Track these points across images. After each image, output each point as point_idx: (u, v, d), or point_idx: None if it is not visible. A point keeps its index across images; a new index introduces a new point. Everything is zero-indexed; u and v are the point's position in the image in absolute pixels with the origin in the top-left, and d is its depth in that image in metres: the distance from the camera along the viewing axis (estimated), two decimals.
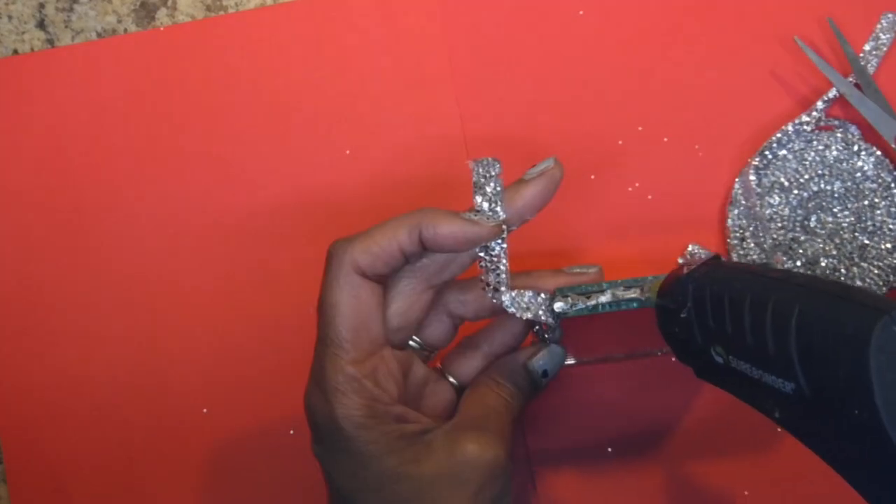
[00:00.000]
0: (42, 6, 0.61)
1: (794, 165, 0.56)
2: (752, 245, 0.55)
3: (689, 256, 0.56)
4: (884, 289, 0.54)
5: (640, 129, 0.58)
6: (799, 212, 0.56)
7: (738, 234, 0.56)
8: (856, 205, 0.55)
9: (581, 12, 0.59)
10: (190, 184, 0.59)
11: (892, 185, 0.55)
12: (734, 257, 0.55)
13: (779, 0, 0.58)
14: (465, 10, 0.59)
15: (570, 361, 0.54)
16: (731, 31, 0.58)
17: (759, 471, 0.55)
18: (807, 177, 0.56)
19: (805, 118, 0.56)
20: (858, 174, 0.56)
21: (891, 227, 0.55)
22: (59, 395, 0.58)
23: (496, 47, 0.59)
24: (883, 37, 0.57)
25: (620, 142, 0.58)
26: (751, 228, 0.55)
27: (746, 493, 0.54)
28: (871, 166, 0.56)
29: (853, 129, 0.57)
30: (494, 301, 0.43)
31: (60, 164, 0.59)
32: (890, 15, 0.57)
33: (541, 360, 0.47)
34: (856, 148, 0.56)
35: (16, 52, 0.61)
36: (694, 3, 0.58)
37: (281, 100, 0.59)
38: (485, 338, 0.49)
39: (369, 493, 0.41)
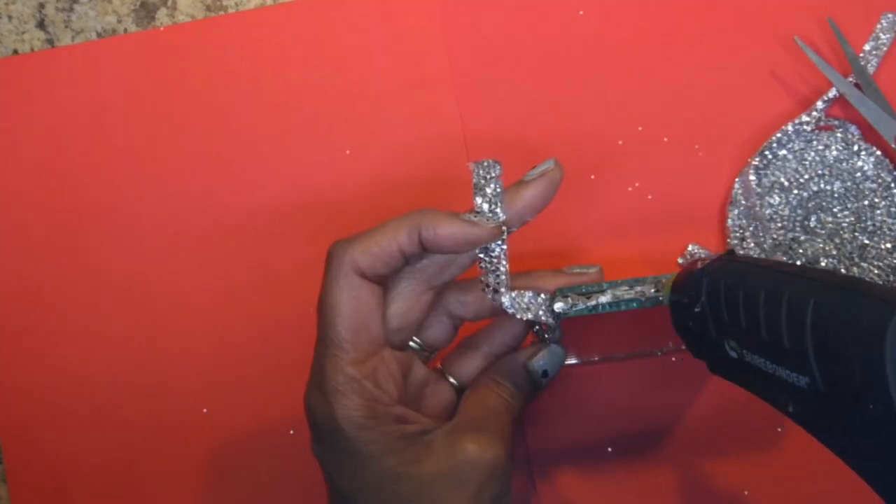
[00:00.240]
0: (42, 6, 0.61)
1: (794, 165, 0.56)
2: (752, 245, 0.55)
3: (689, 256, 0.56)
4: None
5: (640, 129, 0.58)
6: (799, 212, 0.56)
7: (738, 234, 0.56)
8: (856, 205, 0.55)
9: (581, 12, 0.59)
10: (190, 184, 0.59)
11: (892, 185, 0.55)
12: None
13: (779, 0, 0.58)
14: (465, 10, 0.59)
15: (570, 361, 0.54)
16: (731, 31, 0.58)
17: (759, 470, 0.55)
18: (807, 177, 0.56)
19: (805, 118, 0.56)
20: (858, 174, 0.56)
21: (891, 227, 0.55)
22: (59, 395, 0.58)
23: (496, 47, 0.59)
24: (883, 37, 0.57)
25: (620, 142, 0.58)
26: (751, 228, 0.55)
27: (747, 492, 0.54)
28: (871, 166, 0.56)
29: (853, 129, 0.57)
30: (494, 302, 0.43)
31: (60, 164, 0.59)
32: (890, 15, 0.57)
33: (541, 361, 0.47)
34: (856, 148, 0.56)
35: (16, 52, 0.61)
36: (694, 3, 0.58)
37: (281, 100, 0.59)
38: (485, 338, 0.49)
39: (369, 493, 0.41)
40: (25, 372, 0.58)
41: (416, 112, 0.59)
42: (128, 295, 0.58)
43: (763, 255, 0.55)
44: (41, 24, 0.61)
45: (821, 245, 0.55)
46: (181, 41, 0.60)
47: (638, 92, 0.58)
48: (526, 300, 0.43)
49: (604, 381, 0.56)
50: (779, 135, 0.56)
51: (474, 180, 0.43)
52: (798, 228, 0.56)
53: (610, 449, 0.55)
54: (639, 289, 0.43)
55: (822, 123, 0.57)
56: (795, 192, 0.56)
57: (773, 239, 0.55)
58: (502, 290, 0.43)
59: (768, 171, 0.56)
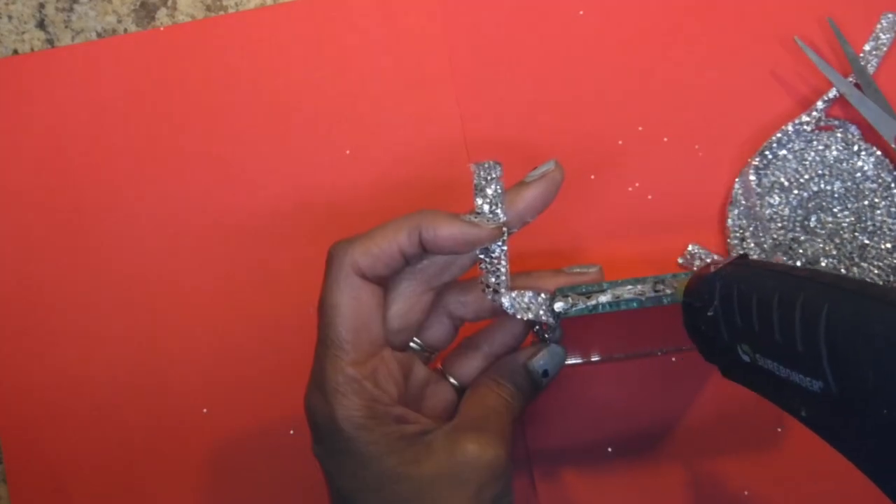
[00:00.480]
0: (42, 6, 0.61)
1: (794, 165, 0.56)
2: (752, 245, 0.55)
3: (688, 256, 0.56)
4: None
5: (640, 129, 0.58)
6: (799, 212, 0.56)
7: (738, 234, 0.56)
8: (856, 205, 0.55)
9: (581, 12, 0.59)
10: (190, 184, 0.59)
11: (892, 185, 0.55)
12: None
13: (779, 0, 0.58)
14: (465, 10, 0.59)
15: (571, 361, 0.54)
16: (731, 31, 0.58)
17: (759, 471, 0.55)
18: (807, 177, 0.56)
19: (805, 118, 0.56)
20: (858, 174, 0.56)
21: (891, 227, 0.55)
22: (59, 395, 0.58)
23: (496, 47, 0.59)
24: (883, 37, 0.57)
25: (620, 142, 0.58)
26: (751, 228, 0.55)
27: (747, 492, 0.55)
28: (871, 166, 0.56)
29: (853, 129, 0.57)
30: (494, 302, 0.43)
31: (60, 164, 0.59)
32: (890, 15, 0.57)
33: (541, 360, 0.47)
34: (856, 148, 0.56)
35: (16, 52, 0.61)
36: (694, 3, 0.58)
37: (281, 100, 0.59)
38: (485, 338, 0.49)
39: (369, 493, 0.41)
40: (25, 372, 0.58)
41: (417, 112, 0.59)
42: (128, 295, 0.58)
43: (763, 256, 0.55)
44: (41, 24, 0.61)
45: (821, 245, 0.55)
46: (181, 41, 0.60)
47: (638, 92, 0.58)
48: (526, 300, 0.43)
49: (604, 381, 0.56)
50: (779, 135, 0.56)
51: (475, 181, 0.43)
52: (798, 228, 0.56)
53: (610, 449, 0.55)
54: (639, 288, 0.43)
55: (822, 123, 0.57)
56: (795, 192, 0.56)
57: (773, 239, 0.55)
58: (502, 290, 0.43)
59: (768, 171, 0.56)
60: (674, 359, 0.55)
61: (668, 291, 0.43)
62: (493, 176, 0.43)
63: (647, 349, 0.55)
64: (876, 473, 0.33)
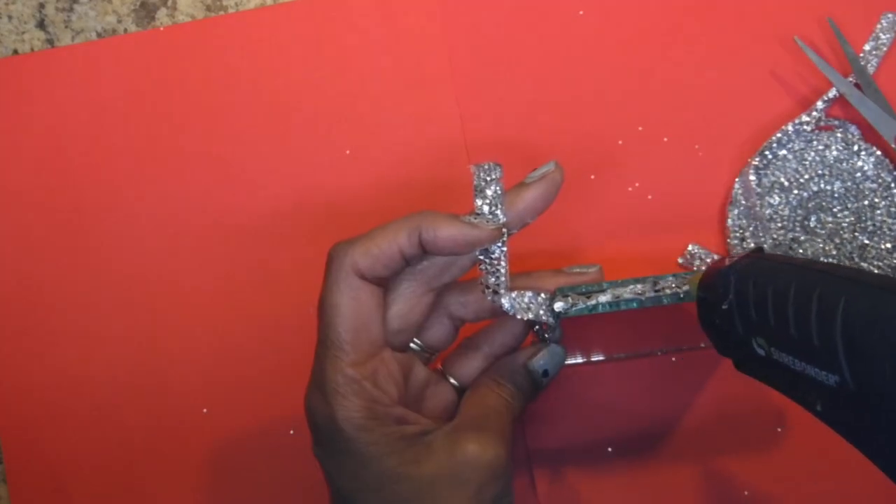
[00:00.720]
0: (42, 6, 0.61)
1: (794, 165, 0.56)
2: (752, 245, 0.55)
3: (688, 256, 0.56)
4: None
5: (640, 129, 0.58)
6: (799, 212, 0.56)
7: (738, 234, 0.56)
8: (856, 205, 0.55)
9: (581, 12, 0.59)
10: (190, 184, 0.59)
11: (892, 185, 0.55)
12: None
13: (779, 0, 0.58)
14: (465, 10, 0.59)
15: (571, 361, 0.54)
16: (731, 31, 0.58)
17: (759, 470, 0.55)
18: (807, 177, 0.56)
19: (805, 118, 0.56)
20: (858, 174, 0.56)
21: (891, 227, 0.55)
22: (59, 395, 0.58)
23: (496, 47, 0.59)
24: (883, 37, 0.57)
25: (620, 142, 0.58)
26: (751, 228, 0.55)
27: (747, 492, 0.55)
28: (871, 166, 0.56)
29: (853, 129, 0.57)
30: (494, 303, 0.43)
31: (60, 164, 0.59)
32: (890, 15, 0.57)
33: (541, 360, 0.47)
34: (856, 148, 0.56)
35: (16, 52, 0.61)
36: (694, 3, 0.58)
37: (281, 100, 0.59)
38: (485, 339, 0.49)
39: (370, 493, 0.41)
40: (25, 372, 0.58)
41: (416, 112, 0.59)
42: (128, 295, 0.58)
43: None
44: (41, 24, 0.61)
45: (821, 245, 0.55)
46: (181, 41, 0.60)
47: (638, 92, 0.58)
48: (526, 300, 0.43)
49: (604, 381, 0.56)
50: (779, 135, 0.56)
51: (475, 182, 0.43)
52: (798, 228, 0.56)
53: (610, 449, 0.55)
54: (639, 288, 0.43)
55: (822, 123, 0.57)
56: (795, 192, 0.56)
57: (773, 239, 0.55)
58: (502, 291, 0.43)
59: (768, 171, 0.56)
60: (674, 359, 0.55)
61: (668, 291, 0.43)
62: (493, 177, 0.43)
63: (647, 349, 0.55)
64: (891, 469, 0.33)
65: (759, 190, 0.56)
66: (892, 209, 0.55)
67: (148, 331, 0.58)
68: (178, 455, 0.57)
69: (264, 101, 0.59)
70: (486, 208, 0.43)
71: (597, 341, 0.53)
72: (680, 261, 0.56)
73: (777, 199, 0.56)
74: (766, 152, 0.56)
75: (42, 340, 0.58)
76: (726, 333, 0.40)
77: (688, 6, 0.58)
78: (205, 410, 0.57)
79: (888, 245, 0.55)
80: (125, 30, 0.61)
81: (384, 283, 0.44)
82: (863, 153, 0.56)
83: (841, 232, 0.55)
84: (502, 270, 0.43)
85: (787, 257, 0.39)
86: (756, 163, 0.56)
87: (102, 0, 0.61)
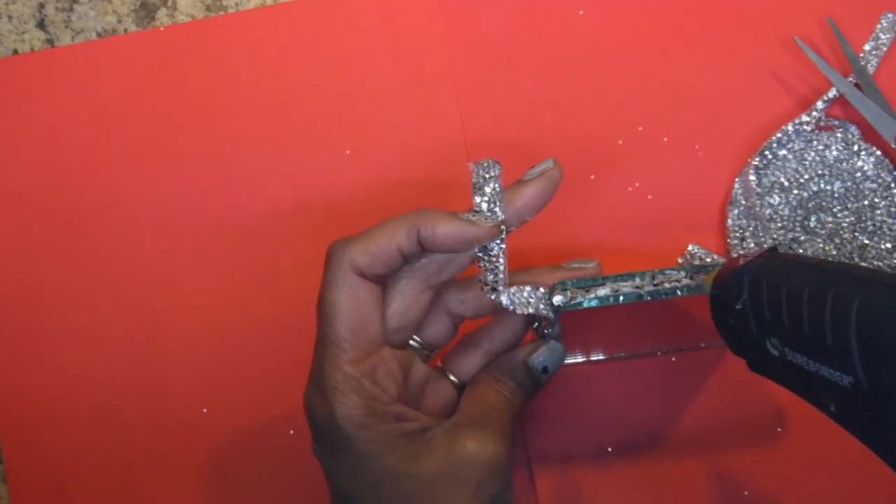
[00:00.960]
0: (42, 6, 0.61)
1: (794, 165, 0.56)
2: (752, 245, 0.55)
3: (688, 256, 0.56)
4: None
5: (640, 129, 0.58)
6: (799, 212, 0.56)
7: (738, 234, 0.56)
8: (856, 205, 0.55)
9: (581, 12, 0.59)
10: (190, 184, 0.59)
11: (892, 185, 0.55)
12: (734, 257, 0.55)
13: (779, 0, 0.58)
14: (465, 10, 0.59)
15: (570, 360, 0.54)
16: (731, 31, 0.58)
17: (759, 471, 0.55)
18: (807, 177, 0.56)
19: (805, 118, 0.56)
20: (858, 174, 0.56)
21: (891, 227, 0.55)
22: (59, 395, 0.58)
23: (496, 47, 0.59)
24: (883, 37, 0.57)
25: (620, 142, 0.58)
26: (751, 228, 0.55)
27: (747, 492, 0.54)
28: (871, 166, 0.56)
29: (853, 129, 0.57)
30: (493, 300, 0.43)
31: (60, 164, 0.59)
32: (890, 15, 0.57)
33: (541, 357, 0.47)
34: (856, 148, 0.56)
35: (16, 52, 0.61)
36: (694, 3, 0.58)
37: (281, 100, 0.59)
38: (485, 336, 0.49)
39: (369, 491, 0.41)
40: (25, 372, 0.58)
41: (416, 112, 0.59)
42: (128, 295, 0.58)
43: None
44: (41, 24, 0.61)
45: (821, 245, 0.55)
46: (181, 41, 0.60)
47: (638, 92, 0.58)
48: (525, 295, 0.43)
49: (604, 380, 0.56)
50: (779, 135, 0.56)
51: (474, 180, 0.43)
52: (798, 228, 0.55)
53: (610, 449, 0.55)
54: (637, 282, 0.43)
55: (822, 123, 0.57)
56: (795, 192, 0.56)
57: (773, 239, 0.55)
58: (500, 288, 0.43)
59: (768, 171, 0.56)
60: (674, 359, 0.55)
61: (667, 285, 0.43)
62: (492, 174, 0.43)
63: (647, 349, 0.55)
64: None
65: (759, 190, 0.56)
66: (892, 209, 0.55)
67: (148, 331, 0.58)
68: (178, 455, 0.57)
69: (264, 101, 0.59)
70: (484, 206, 0.43)
71: (597, 340, 0.53)
72: (680, 261, 0.56)
73: (777, 199, 0.56)
74: (766, 152, 0.56)
75: (42, 340, 0.58)
76: (740, 333, 0.40)
77: (688, 6, 0.58)
78: (205, 410, 0.57)
79: (888, 245, 0.55)
80: (125, 30, 0.61)
81: (383, 281, 0.44)
82: (863, 153, 0.56)
83: (841, 232, 0.55)
84: (501, 268, 0.43)
85: (802, 256, 0.39)
86: (756, 163, 0.56)
87: (102, 0, 0.61)
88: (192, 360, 0.58)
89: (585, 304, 0.43)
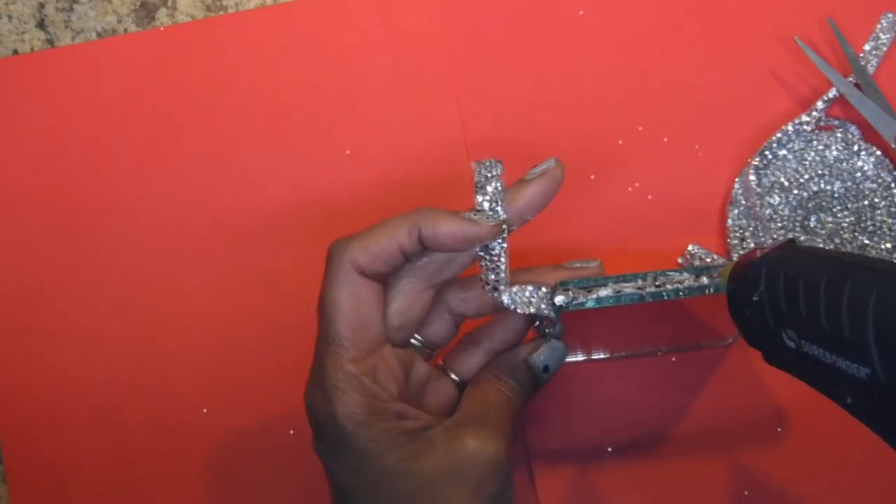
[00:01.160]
0: (42, 6, 0.61)
1: (794, 165, 0.56)
2: (752, 245, 0.55)
3: (688, 256, 0.56)
4: None
5: (640, 129, 0.58)
6: (799, 212, 0.56)
7: (738, 234, 0.56)
8: (856, 205, 0.55)
9: (581, 12, 0.59)
10: (190, 184, 0.59)
11: (892, 185, 0.55)
12: (734, 257, 0.55)
13: (779, 0, 0.58)
14: (465, 10, 0.59)
15: (571, 359, 0.54)
16: (731, 31, 0.58)
17: (759, 470, 0.55)
18: (807, 177, 0.56)
19: (805, 118, 0.56)
20: (858, 174, 0.56)
21: (891, 227, 0.55)
22: (59, 395, 0.58)
23: (496, 47, 0.59)
24: (883, 37, 0.57)
25: (620, 142, 0.58)
26: (751, 228, 0.55)
27: (747, 492, 0.54)
28: (871, 166, 0.56)
29: (853, 129, 0.57)
30: (494, 299, 0.43)
31: (60, 164, 0.59)
32: (890, 15, 0.57)
33: (542, 356, 0.47)
34: (856, 148, 0.56)
35: (16, 52, 0.61)
36: (694, 3, 0.59)
37: (281, 100, 0.59)
38: (486, 334, 0.49)
39: (370, 489, 0.41)
40: (25, 372, 0.58)
41: (416, 112, 0.59)
42: (128, 295, 0.58)
43: None
44: (41, 24, 0.61)
45: (821, 245, 0.55)
46: (181, 41, 0.60)
47: (638, 92, 0.58)
48: (526, 294, 0.43)
49: (604, 380, 0.56)
50: (779, 135, 0.56)
51: (475, 179, 0.43)
52: (798, 228, 0.56)
53: (610, 449, 0.55)
54: (640, 283, 0.43)
55: (822, 123, 0.57)
56: (795, 192, 0.56)
57: (773, 239, 0.55)
58: (502, 287, 0.43)
59: (768, 171, 0.56)
60: (674, 359, 0.55)
61: (669, 287, 0.43)
62: (494, 174, 0.43)
63: (647, 349, 0.55)
64: None
65: (759, 190, 0.56)
66: (892, 209, 0.55)
67: (148, 331, 0.58)
68: (178, 455, 0.57)
69: (264, 101, 0.59)
70: (486, 205, 0.43)
71: (597, 339, 0.53)
72: (680, 261, 0.56)
73: (777, 199, 0.56)
74: (766, 152, 0.56)
75: (42, 340, 0.58)
76: (756, 325, 0.40)
77: (688, 6, 0.58)
78: (205, 410, 0.57)
79: (888, 245, 0.55)
80: (125, 30, 0.61)
81: (384, 280, 0.44)
82: (863, 153, 0.56)
83: (841, 232, 0.55)
84: (502, 267, 0.43)
85: (819, 249, 0.39)
86: (756, 163, 0.56)
87: (102, 0, 0.61)
88: (192, 360, 0.58)
89: (587, 305, 0.43)
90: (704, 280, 0.43)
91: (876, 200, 0.55)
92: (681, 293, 0.43)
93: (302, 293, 0.56)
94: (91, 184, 0.59)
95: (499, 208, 0.43)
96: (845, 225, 0.55)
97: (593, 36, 0.59)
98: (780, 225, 0.56)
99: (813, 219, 0.56)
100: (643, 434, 0.55)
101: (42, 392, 0.58)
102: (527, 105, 0.58)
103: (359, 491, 0.42)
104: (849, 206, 0.56)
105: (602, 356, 0.55)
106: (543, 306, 0.44)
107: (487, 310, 0.48)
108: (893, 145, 0.55)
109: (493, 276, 0.43)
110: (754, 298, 0.39)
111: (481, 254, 0.43)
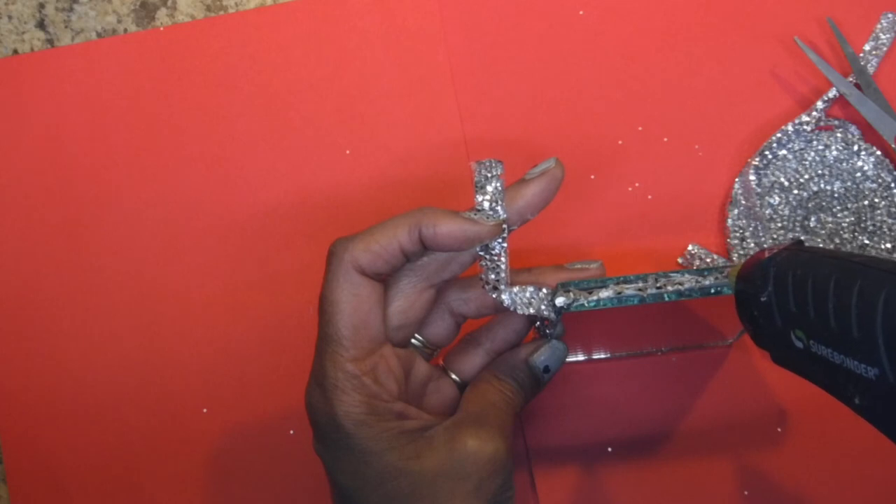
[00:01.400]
0: (42, 6, 0.61)
1: (794, 165, 0.56)
2: (752, 245, 0.55)
3: (688, 256, 0.56)
4: None
5: (640, 129, 0.58)
6: (799, 212, 0.56)
7: (738, 234, 0.56)
8: (856, 205, 0.55)
9: (581, 12, 0.59)
10: (190, 183, 0.59)
11: (892, 185, 0.55)
12: (734, 258, 0.55)
13: (779, 0, 0.58)
14: (465, 10, 0.59)
15: (571, 359, 0.54)
16: (731, 31, 0.58)
17: (759, 471, 0.55)
18: (807, 177, 0.56)
19: (805, 118, 0.56)
20: (858, 174, 0.56)
21: (891, 227, 0.55)
22: (59, 395, 0.58)
23: (496, 47, 0.59)
24: (883, 37, 0.57)
25: (620, 142, 0.58)
26: (751, 228, 0.55)
27: (747, 492, 0.54)
28: (871, 166, 0.56)
29: (853, 129, 0.57)
30: (495, 299, 0.43)
31: (60, 164, 0.59)
32: (890, 15, 0.57)
33: (542, 356, 0.47)
34: (856, 148, 0.56)
35: (16, 52, 0.61)
36: (694, 3, 0.59)
37: (281, 100, 0.59)
38: (486, 335, 0.49)
39: (370, 489, 0.41)
40: (25, 372, 0.58)
41: (416, 112, 0.59)
42: (128, 295, 0.58)
43: None
44: (41, 24, 0.61)
45: (821, 245, 0.55)
46: (181, 41, 0.60)
47: (638, 92, 0.58)
48: (527, 295, 0.43)
49: (604, 380, 0.56)
50: (779, 135, 0.56)
51: (476, 179, 0.43)
52: (798, 228, 0.56)
53: (610, 449, 0.55)
54: (640, 284, 0.43)
55: (822, 123, 0.57)
56: (795, 192, 0.56)
57: (773, 239, 0.55)
58: (502, 287, 0.43)
59: (768, 171, 0.56)
60: (674, 359, 0.55)
61: (670, 288, 0.43)
62: (494, 173, 0.43)
63: (648, 349, 0.55)
64: None
65: (759, 190, 0.56)
66: (892, 209, 0.55)
67: (148, 331, 0.58)
68: (178, 455, 0.57)
69: (264, 100, 0.59)
70: (486, 204, 0.43)
71: (598, 339, 0.53)
72: (680, 261, 0.56)
73: (777, 199, 0.56)
74: (766, 152, 0.56)
75: (42, 340, 0.58)
76: (764, 326, 0.40)
77: (688, 6, 0.59)
78: (205, 410, 0.57)
79: (888, 245, 0.55)
80: (125, 30, 0.61)
81: (384, 279, 0.44)
82: (863, 153, 0.56)
83: (841, 232, 0.55)
84: (503, 266, 0.43)
85: (828, 250, 0.39)
86: (756, 163, 0.56)
87: (102, 0, 0.61)
88: (192, 360, 0.58)
89: (588, 306, 0.43)
90: (705, 281, 0.43)
91: (876, 200, 0.55)
92: (682, 295, 0.43)
93: (302, 293, 0.56)
94: (91, 184, 0.59)
95: (499, 208, 0.43)
96: (845, 225, 0.55)
97: (593, 36, 0.59)
98: (780, 225, 0.56)
99: (813, 219, 0.56)
100: (643, 434, 0.55)
101: (42, 392, 0.58)
102: (527, 105, 0.58)
103: (359, 490, 0.42)
104: (849, 206, 0.56)
105: (602, 356, 0.55)
106: (544, 307, 0.44)
107: (488, 310, 0.48)
108: (893, 145, 0.55)
109: (493, 276, 0.43)
110: (763, 299, 0.39)
111: (481, 253, 0.43)
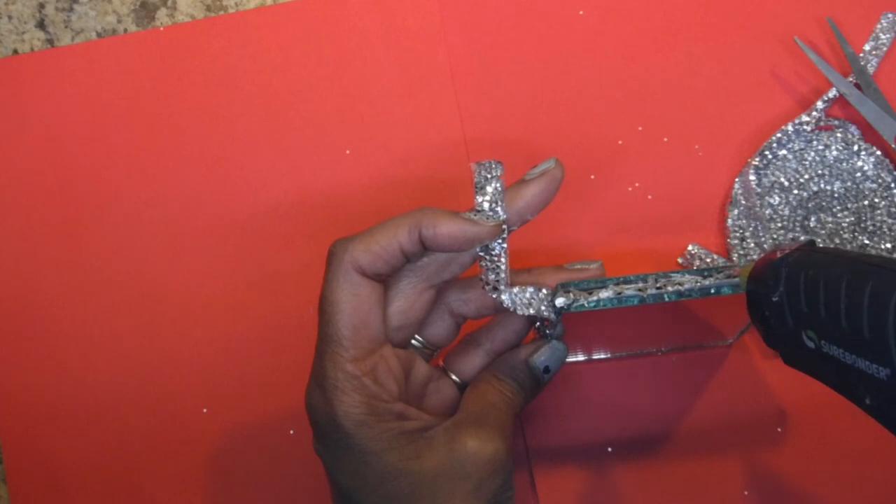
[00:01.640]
0: (42, 6, 0.61)
1: (794, 165, 0.56)
2: (752, 245, 0.55)
3: (688, 256, 0.56)
4: None
5: (640, 129, 0.58)
6: (799, 212, 0.56)
7: (738, 234, 0.56)
8: (856, 205, 0.55)
9: (581, 12, 0.59)
10: (190, 183, 0.59)
11: (892, 185, 0.55)
12: (734, 257, 0.55)
13: (779, 0, 0.58)
14: (464, 10, 0.59)
15: (571, 359, 0.54)
16: (731, 31, 0.58)
17: (759, 471, 0.55)
18: (807, 177, 0.56)
19: (805, 118, 0.56)
20: (858, 174, 0.56)
21: (891, 227, 0.55)
22: (59, 395, 0.58)
23: (496, 47, 0.59)
24: (883, 37, 0.57)
25: (620, 142, 0.58)
26: (751, 228, 0.55)
27: (747, 492, 0.54)
28: (871, 166, 0.56)
29: (853, 129, 0.57)
30: (495, 299, 0.43)
31: (60, 164, 0.59)
32: (890, 15, 0.57)
33: (542, 357, 0.47)
34: (856, 148, 0.56)
35: (16, 52, 0.61)
36: (694, 3, 0.59)
37: (281, 100, 0.59)
38: (486, 335, 0.49)
39: (370, 489, 0.41)
40: (25, 372, 0.58)
41: (416, 112, 0.59)
42: (128, 295, 0.58)
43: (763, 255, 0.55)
44: (41, 24, 0.61)
45: (821, 245, 0.55)
46: (181, 41, 0.60)
47: (638, 92, 0.58)
48: (527, 296, 0.43)
49: (604, 380, 0.56)
50: (779, 135, 0.56)
51: (476, 179, 0.43)
52: (798, 228, 0.56)
53: (610, 449, 0.55)
54: (641, 284, 0.43)
55: (822, 123, 0.57)
56: (795, 192, 0.56)
57: (773, 239, 0.55)
58: (502, 287, 0.43)
59: (768, 171, 0.56)
60: (674, 359, 0.55)
61: (670, 288, 0.43)
62: (494, 174, 0.43)
63: (647, 348, 0.55)
64: None
65: (759, 190, 0.56)
66: (892, 209, 0.55)
67: (148, 331, 0.58)
68: (178, 455, 0.57)
69: (264, 100, 0.59)
70: (486, 205, 0.43)
71: (598, 339, 0.53)
72: (680, 261, 0.56)
73: (777, 199, 0.56)
74: (766, 152, 0.56)
75: (42, 340, 0.58)
76: (776, 326, 0.40)
77: (688, 6, 0.58)
78: (205, 410, 0.57)
79: (888, 245, 0.55)
80: (125, 30, 0.61)
81: (384, 280, 0.44)
82: (863, 153, 0.56)
83: (841, 232, 0.55)
84: (503, 267, 0.43)
85: (839, 250, 0.39)
86: (756, 163, 0.56)
87: (102, 0, 0.61)
88: (192, 360, 0.58)
89: (588, 307, 0.43)
90: (705, 282, 0.43)
91: (876, 200, 0.55)
92: (682, 295, 0.43)
93: (302, 293, 0.56)
94: (91, 184, 0.59)
95: (499, 208, 0.43)
96: (845, 225, 0.55)
97: (593, 36, 0.59)
98: (780, 225, 0.56)
99: (813, 219, 0.56)
100: (643, 434, 0.55)
101: (42, 392, 0.58)
102: (527, 105, 0.58)
103: (359, 490, 0.42)
104: (849, 206, 0.56)
105: (602, 356, 0.55)
106: (544, 308, 0.44)
107: (488, 311, 0.48)
108: (893, 145, 0.55)
109: (493, 276, 0.43)
110: (774, 299, 0.39)
111: (481, 254, 0.43)
